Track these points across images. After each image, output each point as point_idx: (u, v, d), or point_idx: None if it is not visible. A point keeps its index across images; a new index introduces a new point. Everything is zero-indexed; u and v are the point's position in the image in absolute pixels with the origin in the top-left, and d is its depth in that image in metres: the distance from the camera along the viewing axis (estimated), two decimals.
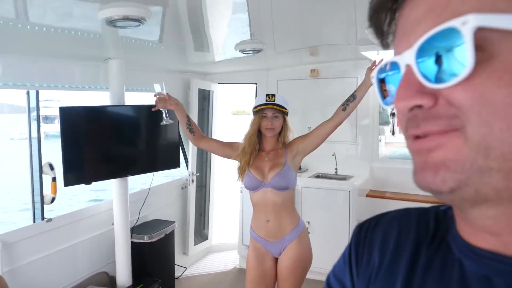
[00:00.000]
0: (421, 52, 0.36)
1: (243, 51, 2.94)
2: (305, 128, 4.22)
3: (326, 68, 4.29)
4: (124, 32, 2.39)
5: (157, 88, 2.31)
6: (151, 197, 3.60)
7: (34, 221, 2.76)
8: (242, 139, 2.36)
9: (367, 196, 3.96)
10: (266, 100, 2.30)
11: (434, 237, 0.49)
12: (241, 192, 4.06)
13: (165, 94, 2.32)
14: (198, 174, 4.42)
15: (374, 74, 0.45)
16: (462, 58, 0.33)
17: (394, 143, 6.52)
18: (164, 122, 2.34)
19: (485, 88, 0.33)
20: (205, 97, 4.54)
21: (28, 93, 2.67)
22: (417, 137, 0.38)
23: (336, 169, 4.17)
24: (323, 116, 4.05)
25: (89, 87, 3.08)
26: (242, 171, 2.31)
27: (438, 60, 0.35)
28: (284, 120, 2.34)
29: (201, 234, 4.71)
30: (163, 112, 2.32)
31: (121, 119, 3.15)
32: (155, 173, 3.46)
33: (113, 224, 3.17)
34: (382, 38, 0.45)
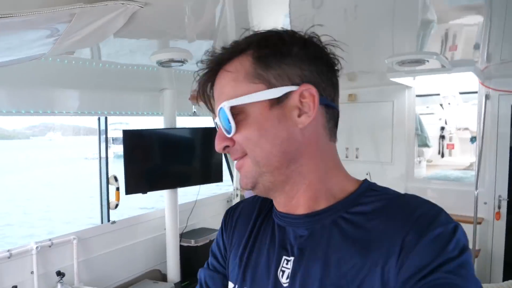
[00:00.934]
0: (219, 118, 0.68)
1: None
2: (351, 148, 4.51)
3: (363, 93, 4.55)
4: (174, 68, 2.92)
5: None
6: (199, 208, 4.10)
7: (102, 222, 3.36)
8: None
9: None
10: None
11: (268, 211, 0.80)
12: None
13: None
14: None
15: (214, 123, 0.75)
16: (230, 121, 0.66)
17: (441, 165, 6.51)
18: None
19: (246, 133, 0.66)
20: None
21: (99, 119, 3.31)
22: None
23: None
24: (367, 138, 4.37)
25: (148, 113, 3.68)
26: None
27: (225, 122, 0.67)
28: None
29: None
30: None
31: (172, 139, 3.71)
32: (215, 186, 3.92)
33: (165, 229, 3.70)
34: (208, 106, 0.75)
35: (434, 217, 0.60)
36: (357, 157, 4.59)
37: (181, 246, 3.73)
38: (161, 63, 2.32)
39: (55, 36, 1.24)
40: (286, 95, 0.65)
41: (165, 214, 3.68)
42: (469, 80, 3.88)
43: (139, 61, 2.86)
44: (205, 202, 4.32)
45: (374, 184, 0.71)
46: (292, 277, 0.67)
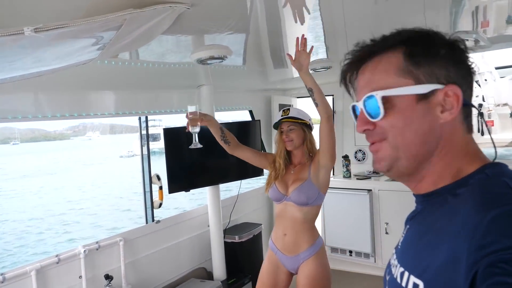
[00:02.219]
0: (365, 103, 0.77)
1: (314, 69, 3.26)
2: None
3: None
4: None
5: (191, 108, 2.29)
6: (240, 202, 4.05)
7: (147, 222, 3.38)
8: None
9: None
10: (281, 116, 2.33)
11: None
12: None
13: (197, 114, 2.28)
14: None
15: (350, 108, 0.85)
16: (380, 108, 0.74)
17: (482, 144, 6.20)
18: (192, 146, 2.27)
19: (393, 120, 0.75)
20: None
21: (140, 119, 3.31)
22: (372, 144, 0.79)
23: None
24: None
25: (186, 110, 3.64)
26: (268, 184, 2.36)
27: (373, 108, 0.75)
28: (305, 132, 2.29)
29: None
30: (194, 135, 2.28)
31: (210, 135, 3.66)
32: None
33: (208, 226, 3.68)
34: (348, 90, 0.85)
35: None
36: None
37: (225, 243, 3.69)
38: (201, 61, 2.27)
39: (104, 42, 1.21)
40: (432, 92, 0.72)
41: (208, 210, 3.65)
42: (505, 55, 3.68)
43: (177, 59, 2.83)
44: (246, 196, 4.28)
45: (499, 167, 0.73)
46: (402, 242, 0.82)
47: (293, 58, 2.10)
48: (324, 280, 2.22)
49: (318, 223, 4.52)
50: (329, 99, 4.94)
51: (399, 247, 0.83)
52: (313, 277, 2.18)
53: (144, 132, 3.37)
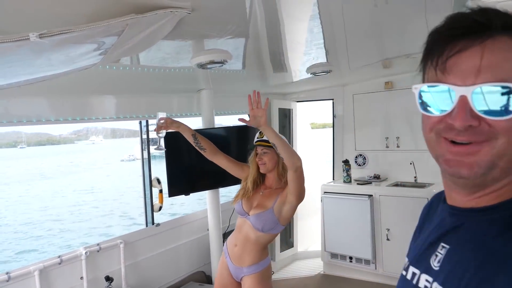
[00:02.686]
0: (477, 92, 0.57)
1: (314, 73, 3.29)
2: (391, 138, 4.40)
3: (400, 79, 4.39)
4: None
5: (161, 114, 2.43)
6: None
7: (147, 225, 3.40)
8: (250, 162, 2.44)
9: None
10: (257, 138, 2.35)
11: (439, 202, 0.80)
12: (321, 201, 4.36)
13: (165, 122, 2.40)
14: None
15: (417, 86, 0.68)
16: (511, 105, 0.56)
17: None
18: (156, 148, 2.53)
19: None
20: (285, 115, 4.95)
21: (140, 122, 3.34)
22: (453, 142, 0.61)
23: (415, 177, 4.24)
24: (407, 126, 4.24)
25: (185, 114, 3.69)
26: (236, 198, 2.41)
27: (496, 101, 0.57)
28: (278, 156, 2.25)
29: (287, 242, 5.05)
30: (159, 139, 2.45)
31: (213, 139, 3.68)
32: None
33: (208, 230, 3.70)
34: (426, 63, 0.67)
35: None
36: (398, 146, 4.43)
37: None
38: (201, 65, 2.30)
39: (106, 48, 1.23)
40: None
41: (208, 214, 3.68)
42: None
43: (176, 64, 2.86)
44: None
45: None
46: (443, 263, 0.67)
47: (248, 119, 2.09)
48: None
49: (318, 228, 4.55)
50: (329, 104, 4.98)
51: (434, 267, 0.69)
52: None
53: (144, 136, 3.40)
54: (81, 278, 2.79)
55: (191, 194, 3.45)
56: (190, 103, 3.71)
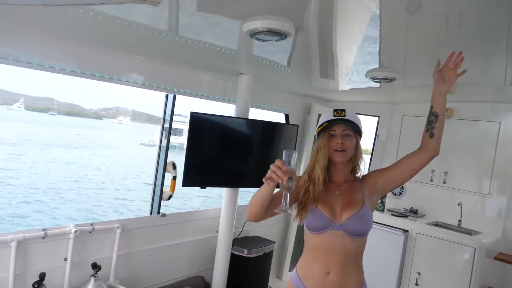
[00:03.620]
0: None
1: (373, 78, 2.83)
2: (438, 171, 3.89)
3: (462, 108, 3.89)
4: (259, 50, 2.50)
5: (289, 156, 1.44)
6: None
7: (151, 213, 2.99)
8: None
9: (495, 258, 3.41)
10: (334, 115, 1.73)
11: None
12: None
13: (295, 166, 1.48)
14: None
15: None
16: None
17: None
18: (278, 211, 1.47)
19: None
20: None
21: (167, 96, 2.95)
22: None
23: (460, 221, 3.71)
24: (460, 162, 3.74)
25: (218, 98, 3.28)
26: (304, 207, 1.68)
27: None
28: (358, 142, 1.75)
29: (297, 261, 4.56)
30: (285, 195, 1.43)
31: (242, 132, 3.26)
32: None
33: (217, 231, 3.26)
34: None
35: None
36: (444, 182, 3.91)
37: (232, 254, 3.28)
38: (254, 34, 1.87)
39: None
40: None
41: (221, 214, 3.25)
42: None
43: (218, 40, 2.44)
44: None
45: None
46: None
47: (440, 68, 1.65)
48: None
49: None
50: (374, 120, 4.50)
51: None
52: None
53: (167, 125, 3.03)
54: (65, 259, 2.39)
55: (209, 189, 3.02)
56: (224, 87, 3.31)
